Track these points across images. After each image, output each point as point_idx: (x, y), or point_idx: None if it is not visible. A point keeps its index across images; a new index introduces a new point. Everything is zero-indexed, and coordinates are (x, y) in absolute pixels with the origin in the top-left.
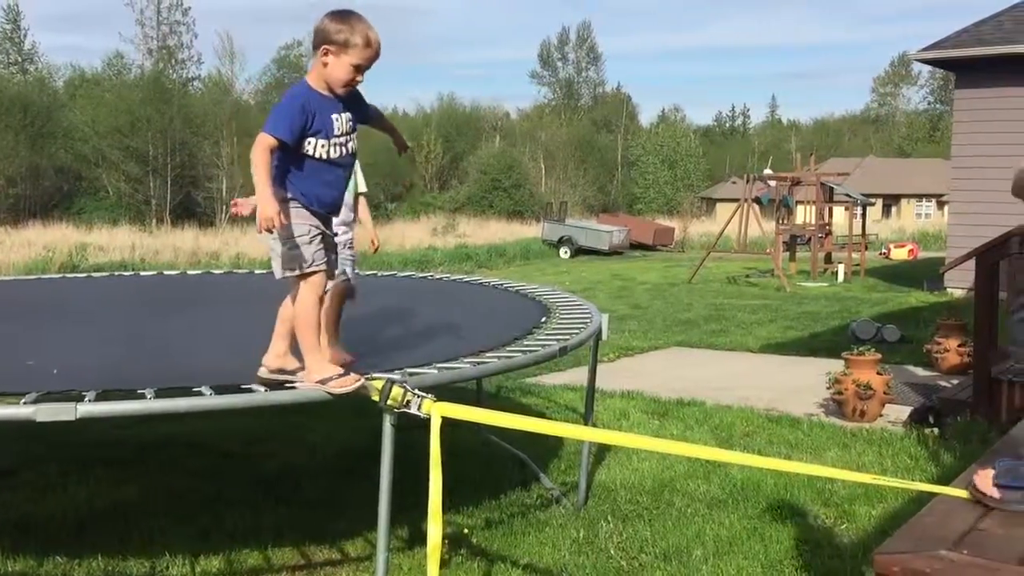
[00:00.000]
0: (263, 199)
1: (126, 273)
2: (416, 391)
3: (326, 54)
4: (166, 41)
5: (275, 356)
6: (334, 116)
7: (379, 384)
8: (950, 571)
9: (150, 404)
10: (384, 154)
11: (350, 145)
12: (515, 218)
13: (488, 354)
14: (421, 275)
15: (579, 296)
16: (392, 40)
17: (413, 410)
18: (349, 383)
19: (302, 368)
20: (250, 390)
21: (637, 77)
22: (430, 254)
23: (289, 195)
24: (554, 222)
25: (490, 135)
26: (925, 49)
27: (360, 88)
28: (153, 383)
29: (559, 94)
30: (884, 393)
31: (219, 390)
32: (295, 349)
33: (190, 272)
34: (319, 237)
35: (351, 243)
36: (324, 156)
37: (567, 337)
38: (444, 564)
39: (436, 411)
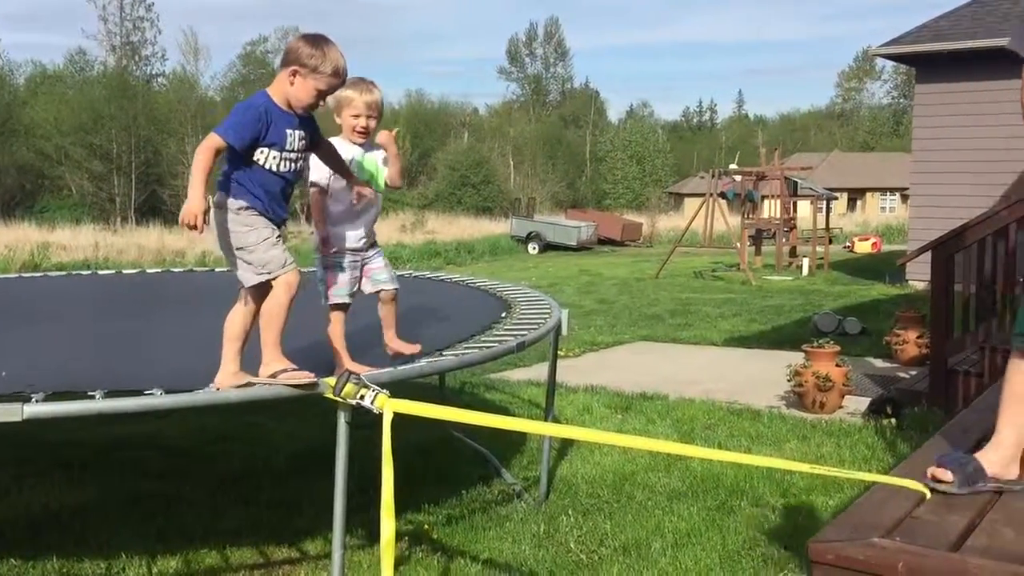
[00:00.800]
0: (193, 195)
1: (84, 272)
2: (370, 386)
3: (294, 74)
4: (129, 37)
5: (228, 375)
6: (288, 131)
7: (332, 380)
8: (881, 557)
9: (97, 404)
10: None
11: (299, 163)
12: (484, 214)
13: (445, 350)
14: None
15: (540, 291)
16: (361, 37)
17: (367, 404)
18: (301, 377)
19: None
20: (201, 389)
21: (605, 73)
22: (398, 251)
23: (246, 203)
24: (522, 218)
25: (459, 131)
26: (885, 44)
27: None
28: (105, 383)
29: (527, 90)
30: (843, 385)
31: (169, 390)
32: (248, 367)
33: (149, 270)
34: (281, 239)
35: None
36: (274, 168)
37: (525, 332)
38: (404, 560)
39: (389, 407)
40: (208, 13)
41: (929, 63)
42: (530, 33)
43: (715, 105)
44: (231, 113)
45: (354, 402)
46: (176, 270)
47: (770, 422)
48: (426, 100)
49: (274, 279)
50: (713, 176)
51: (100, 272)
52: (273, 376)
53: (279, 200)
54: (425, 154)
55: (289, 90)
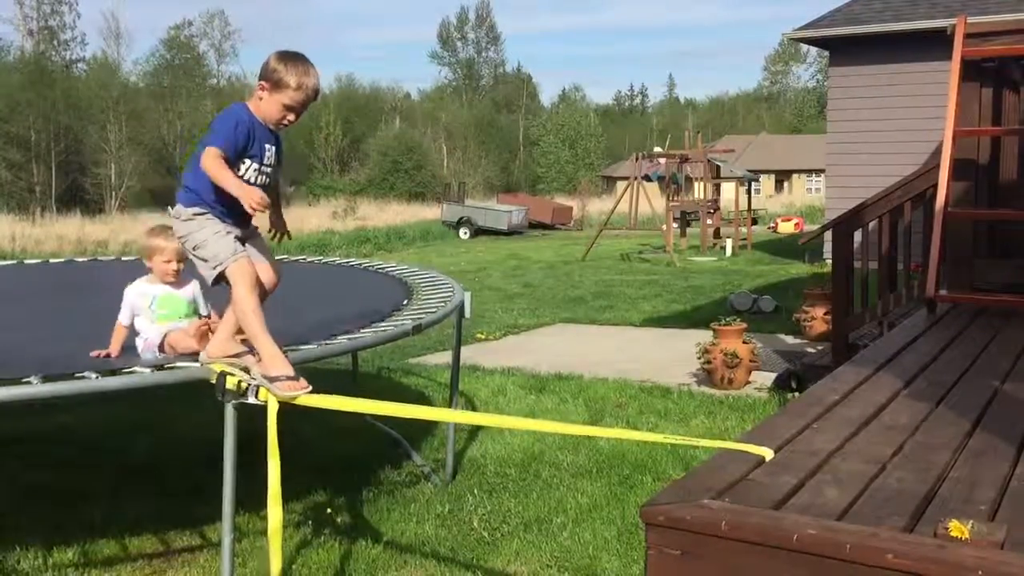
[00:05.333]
0: (239, 186)
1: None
2: (252, 378)
3: (262, 89)
4: (47, 22)
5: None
6: (267, 146)
7: (218, 369)
8: (708, 517)
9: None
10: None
11: (270, 178)
12: (417, 200)
13: (340, 335)
14: (291, 259)
15: (444, 275)
16: (290, 19)
17: (251, 398)
18: (298, 387)
19: (248, 352)
20: (83, 376)
21: (537, 57)
22: (328, 237)
23: (201, 209)
24: (453, 203)
25: (390, 116)
26: (801, 28)
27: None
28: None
29: (460, 75)
30: (750, 361)
31: (47, 378)
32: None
33: (52, 261)
34: (233, 234)
35: None
36: (251, 180)
37: (423, 316)
38: (307, 543)
39: (272, 399)
40: None
41: (842, 46)
42: (461, 17)
43: (646, 89)
44: (218, 124)
45: (240, 391)
46: (80, 259)
47: (679, 399)
48: (357, 85)
49: (224, 269)
50: (637, 159)
51: (26, 262)
52: (270, 380)
53: (244, 213)
54: (356, 140)
55: (260, 105)
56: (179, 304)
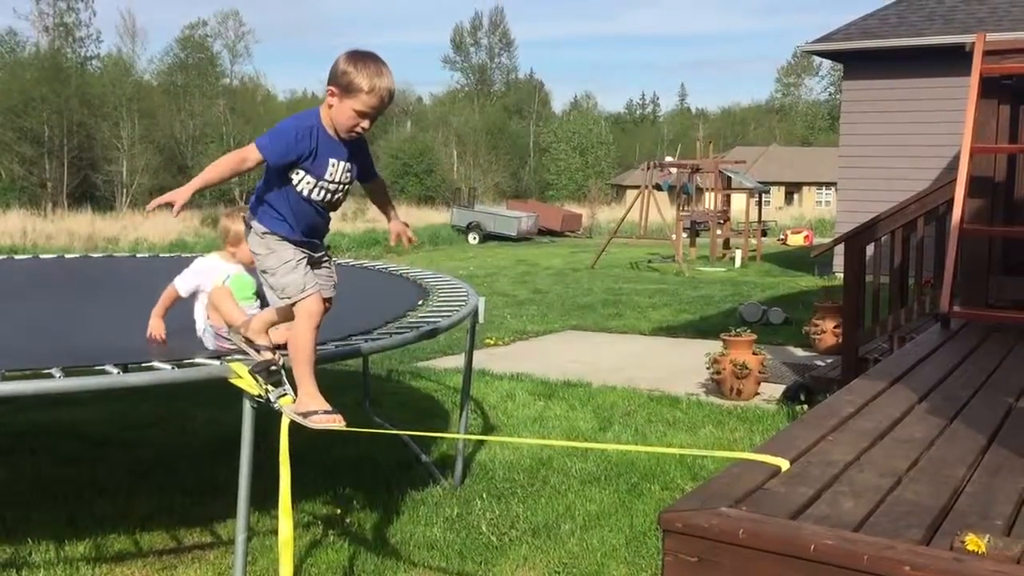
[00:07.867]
0: (186, 185)
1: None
2: (283, 384)
3: (331, 95)
4: (63, 18)
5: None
6: (332, 160)
7: (240, 369)
8: (725, 524)
9: (58, 383)
10: None
11: (337, 196)
12: (426, 203)
13: (357, 336)
14: None
15: (461, 280)
16: (305, 21)
17: (273, 400)
18: (332, 421)
19: (268, 348)
20: (103, 371)
21: (549, 64)
22: (337, 239)
23: (269, 228)
24: (463, 208)
25: (401, 120)
26: (816, 41)
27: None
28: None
29: (472, 80)
30: (759, 372)
31: (68, 372)
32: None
33: (67, 256)
34: (304, 261)
35: None
36: (306, 194)
37: (439, 320)
38: (315, 544)
39: (287, 411)
40: None
41: (857, 60)
42: (475, 22)
43: (658, 98)
44: (278, 125)
45: (259, 394)
46: (96, 255)
47: (688, 408)
48: None
49: (292, 305)
50: (648, 168)
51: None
52: (304, 415)
53: (310, 225)
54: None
55: (331, 112)
56: (248, 287)
